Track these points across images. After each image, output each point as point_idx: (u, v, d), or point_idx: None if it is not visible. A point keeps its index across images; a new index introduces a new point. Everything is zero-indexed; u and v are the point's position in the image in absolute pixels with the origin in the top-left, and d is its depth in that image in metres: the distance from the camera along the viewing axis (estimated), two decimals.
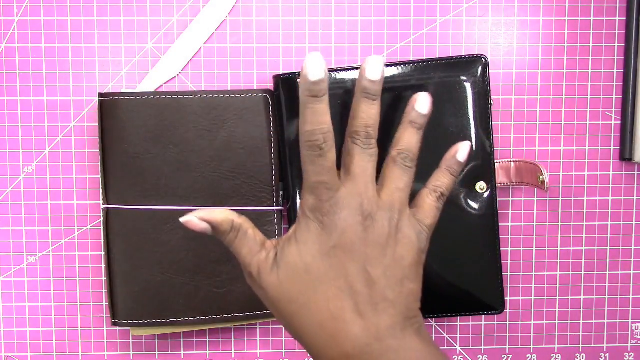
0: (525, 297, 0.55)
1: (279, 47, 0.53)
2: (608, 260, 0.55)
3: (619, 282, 0.55)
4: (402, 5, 0.53)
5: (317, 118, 0.39)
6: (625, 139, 0.54)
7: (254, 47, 0.53)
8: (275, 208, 0.51)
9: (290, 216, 0.51)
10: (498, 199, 0.51)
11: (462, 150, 0.43)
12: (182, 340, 0.55)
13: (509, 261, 0.55)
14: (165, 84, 0.53)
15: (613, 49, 0.54)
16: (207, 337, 0.55)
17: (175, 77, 0.53)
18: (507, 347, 0.56)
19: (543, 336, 0.56)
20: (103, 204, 0.51)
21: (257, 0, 0.53)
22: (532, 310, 0.55)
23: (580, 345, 0.56)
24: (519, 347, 0.56)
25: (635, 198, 0.55)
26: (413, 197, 0.42)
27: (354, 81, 0.49)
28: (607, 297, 0.56)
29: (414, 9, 0.53)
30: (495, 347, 0.56)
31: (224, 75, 0.53)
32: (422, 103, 0.42)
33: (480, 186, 0.50)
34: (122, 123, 0.50)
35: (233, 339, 0.55)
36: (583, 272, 0.55)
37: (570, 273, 0.55)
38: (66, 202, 0.54)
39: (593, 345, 0.56)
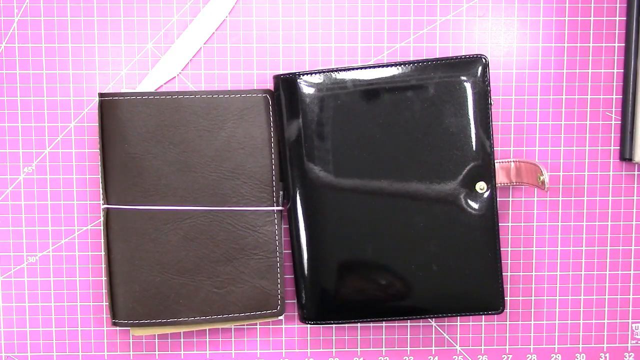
0: (525, 297, 0.55)
1: (279, 47, 0.53)
2: (608, 260, 0.55)
3: (619, 282, 0.55)
4: (402, 5, 0.53)
5: None
6: (625, 139, 0.54)
7: (254, 47, 0.53)
8: (275, 208, 0.51)
9: (290, 216, 0.51)
10: (498, 199, 0.51)
11: None
12: (182, 340, 0.55)
13: (509, 261, 0.55)
14: (165, 84, 0.53)
15: (613, 49, 0.54)
16: (207, 337, 0.55)
17: (175, 77, 0.53)
18: (507, 347, 0.56)
19: (543, 336, 0.56)
20: (103, 204, 0.51)
21: (257, 0, 0.53)
22: (532, 310, 0.55)
23: (580, 345, 0.56)
24: (519, 347, 0.56)
25: (635, 198, 0.55)
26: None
27: (354, 81, 0.49)
28: (607, 297, 0.56)
29: (414, 9, 0.53)
30: (495, 347, 0.56)
31: (224, 75, 0.53)
32: None
33: (480, 186, 0.50)
34: (122, 123, 0.50)
35: (233, 339, 0.55)
36: (583, 272, 0.55)
37: (570, 273, 0.55)
38: (66, 202, 0.54)
39: (593, 345, 0.56)
